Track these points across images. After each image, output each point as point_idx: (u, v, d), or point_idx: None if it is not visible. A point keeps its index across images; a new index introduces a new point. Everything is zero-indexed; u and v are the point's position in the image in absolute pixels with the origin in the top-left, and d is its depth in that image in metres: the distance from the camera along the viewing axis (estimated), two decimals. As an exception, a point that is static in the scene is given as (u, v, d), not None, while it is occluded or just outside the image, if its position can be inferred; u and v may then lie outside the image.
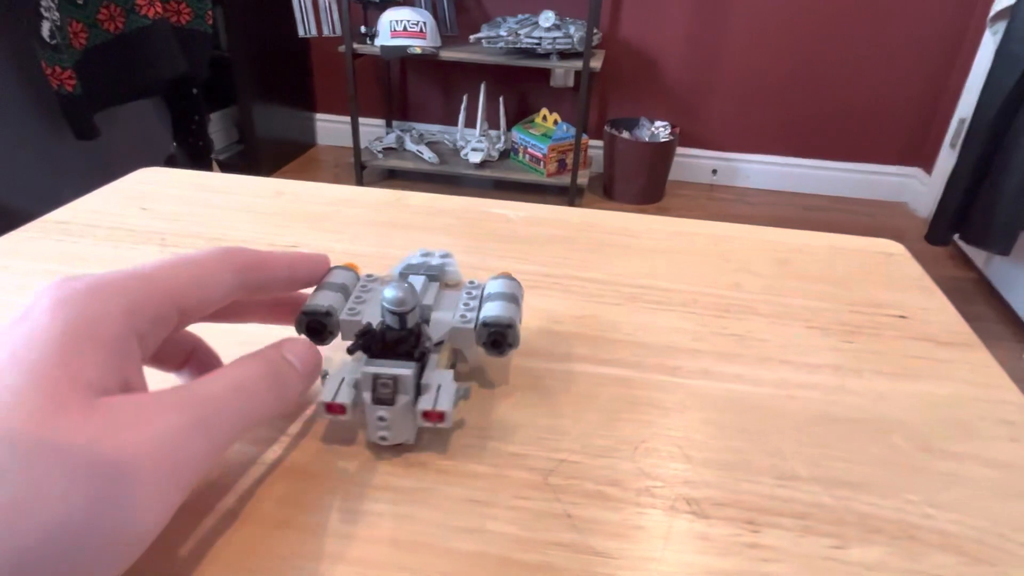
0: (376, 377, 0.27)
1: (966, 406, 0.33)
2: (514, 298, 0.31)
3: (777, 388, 0.34)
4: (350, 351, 0.29)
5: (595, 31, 2.26)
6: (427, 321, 0.31)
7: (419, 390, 0.27)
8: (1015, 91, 1.64)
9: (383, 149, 2.63)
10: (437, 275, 0.33)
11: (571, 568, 0.24)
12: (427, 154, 2.58)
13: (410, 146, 2.65)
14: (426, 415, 0.26)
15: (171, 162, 1.54)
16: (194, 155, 1.51)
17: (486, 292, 0.31)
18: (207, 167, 1.58)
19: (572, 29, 2.23)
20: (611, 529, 0.25)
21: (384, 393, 0.26)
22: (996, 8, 1.89)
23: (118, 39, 1.07)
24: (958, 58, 2.29)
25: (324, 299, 0.30)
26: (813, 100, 2.45)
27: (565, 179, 2.42)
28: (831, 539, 0.25)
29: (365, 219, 0.50)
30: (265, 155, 2.59)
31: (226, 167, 2.31)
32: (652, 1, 2.41)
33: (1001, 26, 1.85)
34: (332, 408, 0.27)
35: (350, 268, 0.33)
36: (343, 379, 0.28)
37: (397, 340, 0.28)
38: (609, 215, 0.52)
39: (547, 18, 2.22)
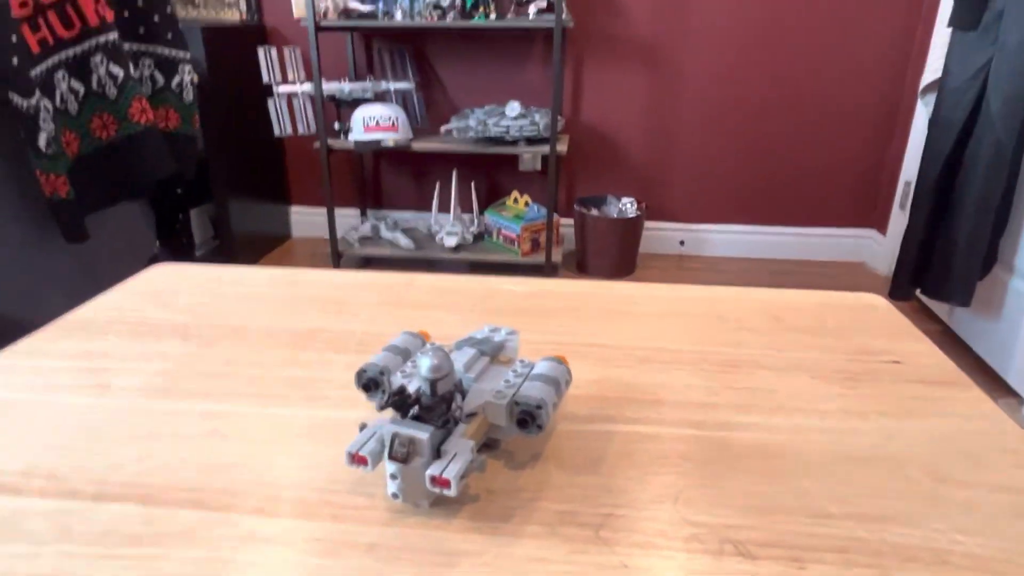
0: (395, 436, 0.28)
1: (970, 439, 0.35)
2: (555, 381, 0.32)
3: (794, 434, 0.36)
4: (379, 407, 0.30)
5: (559, 118, 2.38)
6: (463, 392, 0.32)
7: (438, 455, 0.29)
8: (952, 155, 1.77)
9: (359, 238, 2.68)
10: (488, 350, 0.34)
11: (635, 615, 0.25)
12: (403, 240, 2.63)
13: (386, 233, 2.69)
14: (433, 480, 0.28)
15: (153, 261, 1.55)
16: (178, 252, 1.52)
17: (532, 372, 0.33)
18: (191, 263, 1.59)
19: (537, 117, 2.35)
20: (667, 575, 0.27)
21: (399, 452, 0.28)
22: (925, 81, 2.06)
23: (108, 146, 1.10)
24: (896, 126, 2.47)
25: (382, 359, 0.32)
26: (768, 170, 2.60)
27: (539, 257, 2.48)
28: (873, 569, 0.27)
29: (379, 301, 0.52)
30: (241, 249, 2.60)
31: (204, 263, 2.31)
32: (608, 90, 2.56)
33: (931, 98, 2.02)
34: (355, 458, 0.29)
35: (420, 335, 0.35)
36: (374, 434, 0.29)
37: (427, 405, 0.30)
38: (611, 285, 0.55)
39: (513, 108, 2.35)
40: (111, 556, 0.27)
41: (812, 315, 0.50)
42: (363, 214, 2.92)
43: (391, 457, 0.28)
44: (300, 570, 0.27)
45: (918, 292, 1.93)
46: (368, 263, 2.72)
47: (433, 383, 0.30)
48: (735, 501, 0.31)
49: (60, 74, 1.01)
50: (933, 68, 1.98)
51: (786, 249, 2.72)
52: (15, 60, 0.91)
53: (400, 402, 0.30)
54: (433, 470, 0.28)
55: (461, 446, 0.29)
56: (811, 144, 2.55)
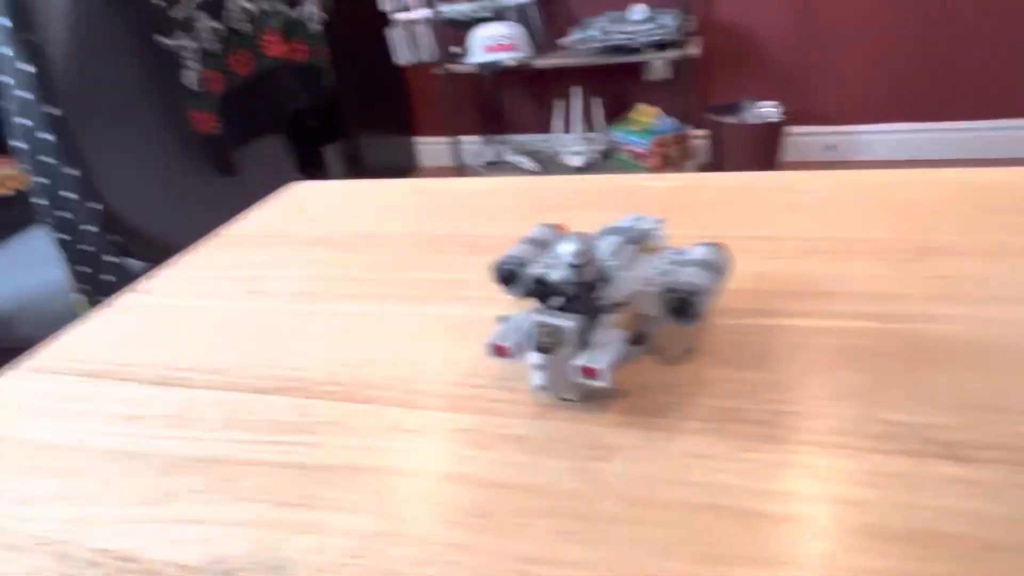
0: (540, 325, 0.26)
1: None
2: (712, 266, 0.29)
3: (1008, 326, 0.30)
4: (522, 296, 0.29)
5: (690, 17, 2.20)
6: (608, 281, 0.30)
7: (585, 346, 0.27)
8: None
9: (484, 164, 2.68)
10: (636, 237, 0.32)
11: (818, 516, 0.22)
12: (527, 163, 2.60)
13: (509, 157, 2.68)
14: (582, 370, 0.26)
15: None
16: (317, 184, 1.59)
17: (687, 258, 0.30)
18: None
19: (666, 19, 2.18)
20: (857, 477, 0.23)
21: (544, 341, 0.26)
22: None
23: (248, 81, 1.15)
24: (1112, -13, 2.03)
25: (519, 251, 0.30)
26: (942, 57, 2.25)
27: (672, 173, 2.36)
28: None
29: (512, 204, 0.50)
30: (374, 182, 2.71)
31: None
32: (746, -21, 2.31)
33: None
34: (498, 349, 0.27)
35: (557, 227, 0.33)
36: (516, 325, 0.28)
37: (571, 295, 0.28)
38: (767, 175, 0.49)
39: (637, 11, 2.19)
40: (272, 442, 0.28)
41: (1018, 194, 0.42)
42: (486, 140, 2.91)
43: (537, 347, 0.26)
44: (450, 459, 0.26)
45: None
46: (494, 189, 2.73)
47: (576, 270, 0.27)
48: (936, 399, 0.26)
49: (199, 14, 1.05)
50: None
51: (963, 148, 2.38)
52: (157, 1, 0.96)
53: (541, 292, 0.28)
54: (581, 360, 0.26)
55: (609, 336, 0.27)
56: (997, 21, 2.17)
